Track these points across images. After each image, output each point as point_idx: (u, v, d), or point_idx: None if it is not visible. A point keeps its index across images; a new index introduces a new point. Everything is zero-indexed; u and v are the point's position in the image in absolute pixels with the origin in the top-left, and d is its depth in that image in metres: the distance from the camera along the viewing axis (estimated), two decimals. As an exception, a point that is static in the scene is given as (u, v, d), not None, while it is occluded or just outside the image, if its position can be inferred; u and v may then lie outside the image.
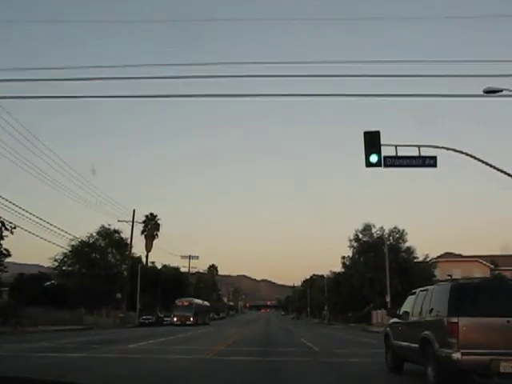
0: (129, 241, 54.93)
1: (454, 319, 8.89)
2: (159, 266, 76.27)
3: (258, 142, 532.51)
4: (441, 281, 10.72)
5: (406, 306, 11.94)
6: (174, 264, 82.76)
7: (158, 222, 74.52)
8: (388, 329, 13.08)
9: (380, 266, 48.61)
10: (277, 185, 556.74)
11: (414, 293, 11.79)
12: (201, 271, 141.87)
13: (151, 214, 73.86)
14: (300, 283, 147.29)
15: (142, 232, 71.50)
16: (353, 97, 52.49)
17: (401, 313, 12.18)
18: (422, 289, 11.45)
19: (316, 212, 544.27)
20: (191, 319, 55.11)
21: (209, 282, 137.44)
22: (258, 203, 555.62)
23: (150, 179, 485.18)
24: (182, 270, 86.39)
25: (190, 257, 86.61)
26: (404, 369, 12.41)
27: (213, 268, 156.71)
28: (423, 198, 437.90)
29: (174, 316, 56.17)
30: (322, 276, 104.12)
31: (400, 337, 11.85)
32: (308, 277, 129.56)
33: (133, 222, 52.90)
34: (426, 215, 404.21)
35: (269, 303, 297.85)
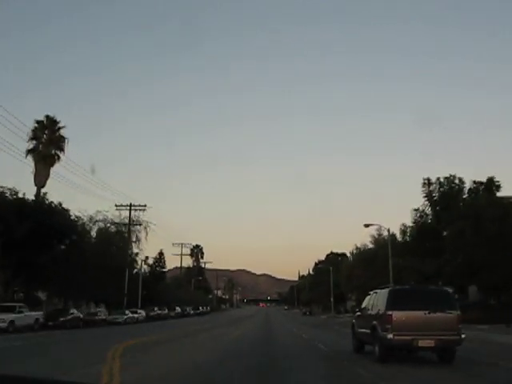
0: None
1: (390, 312, 13.15)
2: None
3: (259, 140, 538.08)
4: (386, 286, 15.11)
5: (365, 303, 16.25)
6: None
7: (61, 133, 42.10)
8: (354, 320, 17.42)
9: None
10: (278, 180, 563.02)
11: (369, 294, 16.15)
12: (200, 264, 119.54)
13: (48, 118, 41.79)
14: (307, 272, 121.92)
15: (31, 151, 40.51)
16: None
17: (362, 308, 16.58)
18: (373, 292, 15.84)
19: (317, 205, 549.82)
20: None
21: (193, 268, 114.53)
22: (258, 198, 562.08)
23: (150, 181, 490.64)
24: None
25: (130, 205, 53.71)
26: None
27: (197, 249, 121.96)
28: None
29: None
30: (343, 254, 76.39)
31: (361, 326, 16.06)
32: (323, 258, 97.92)
33: None
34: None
35: (269, 297, 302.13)
